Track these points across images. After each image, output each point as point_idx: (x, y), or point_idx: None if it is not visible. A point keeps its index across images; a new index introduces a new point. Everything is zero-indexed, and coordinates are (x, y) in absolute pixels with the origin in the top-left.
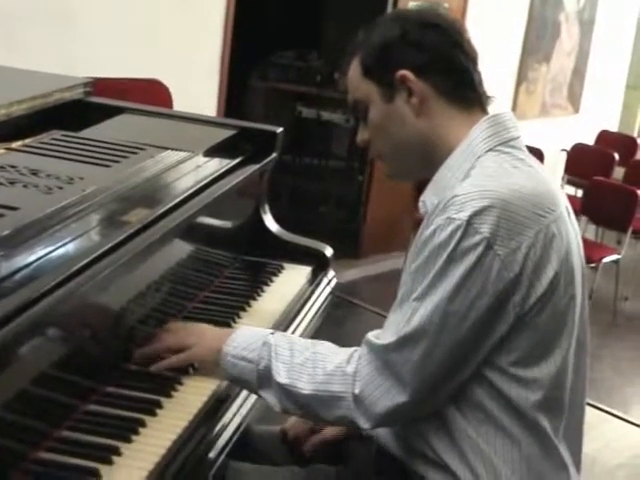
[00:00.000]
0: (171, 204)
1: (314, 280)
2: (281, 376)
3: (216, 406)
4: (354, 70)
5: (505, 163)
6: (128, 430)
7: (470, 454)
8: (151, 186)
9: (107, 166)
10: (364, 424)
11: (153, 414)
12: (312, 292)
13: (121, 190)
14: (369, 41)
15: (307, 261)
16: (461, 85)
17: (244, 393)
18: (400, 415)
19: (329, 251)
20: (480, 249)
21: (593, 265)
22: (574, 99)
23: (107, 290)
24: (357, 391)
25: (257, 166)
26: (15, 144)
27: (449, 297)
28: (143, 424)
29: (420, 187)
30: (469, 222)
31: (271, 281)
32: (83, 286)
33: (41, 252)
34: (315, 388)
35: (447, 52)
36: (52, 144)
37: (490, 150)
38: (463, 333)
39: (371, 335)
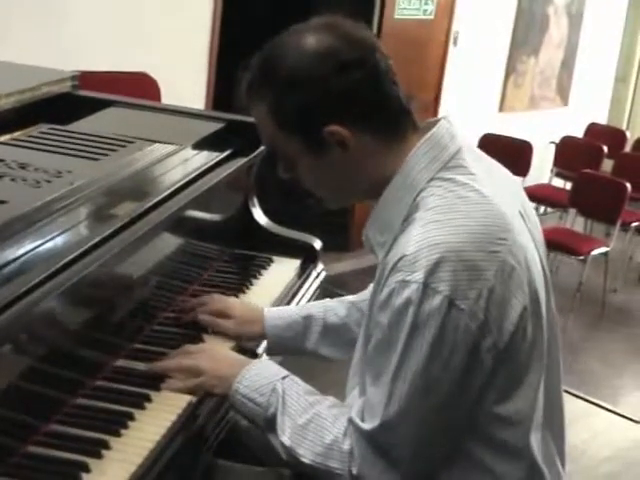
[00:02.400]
0: (159, 197)
1: (303, 273)
2: (285, 435)
3: (204, 402)
4: (265, 119)
5: (448, 195)
6: (117, 424)
7: None
8: (139, 179)
9: (95, 159)
10: None
11: (142, 408)
12: (301, 285)
13: (109, 183)
14: (279, 90)
15: (296, 254)
16: (393, 116)
17: None
18: None
19: (318, 244)
20: (443, 310)
21: (582, 258)
22: (563, 92)
23: (95, 284)
24: (354, 471)
25: (245, 159)
26: (3, 138)
27: (423, 369)
28: (132, 418)
29: None
30: (425, 283)
31: (260, 274)
32: (71, 280)
33: (29, 246)
34: (314, 459)
35: (375, 90)
36: (40, 137)
37: (432, 179)
38: (444, 397)
39: (355, 415)
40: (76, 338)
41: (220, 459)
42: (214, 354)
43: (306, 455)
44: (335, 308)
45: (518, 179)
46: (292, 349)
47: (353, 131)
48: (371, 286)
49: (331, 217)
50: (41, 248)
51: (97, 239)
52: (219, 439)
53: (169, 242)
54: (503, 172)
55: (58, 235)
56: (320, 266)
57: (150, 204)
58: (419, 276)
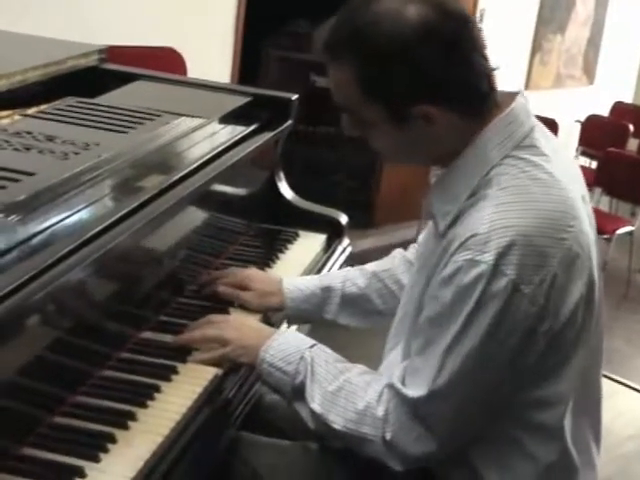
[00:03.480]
0: (186, 171)
1: (329, 248)
2: (315, 402)
3: (230, 375)
4: (348, 82)
5: (522, 176)
6: (144, 396)
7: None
8: (166, 152)
9: (123, 132)
10: (395, 466)
11: (168, 380)
12: (327, 259)
13: (136, 156)
14: (372, 59)
15: (322, 229)
16: (481, 94)
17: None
18: (432, 459)
19: (344, 219)
20: (507, 292)
21: (607, 237)
22: (589, 70)
23: (121, 256)
24: (388, 437)
25: (272, 133)
26: (30, 110)
27: (479, 345)
28: (158, 390)
29: None
30: (495, 265)
31: (286, 248)
32: (98, 252)
33: (56, 218)
34: (346, 425)
35: (468, 67)
36: (67, 110)
37: (505, 157)
38: (495, 377)
39: (397, 381)
40: (102, 310)
41: (245, 432)
42: (239, 324)
43: (337, 421)
44: (355, 278)
45: None
46: (311, 319)
47: (440, 108)
48: (397, 252)
49: (356, 193)
50: (68, 220)
51: (124, 212)
52: (244, 413)
53: (195, 215)
54: (566, 153)
55: (85, 207)
56: (346, 241)
57: (176, 177)
58: (489, 257)
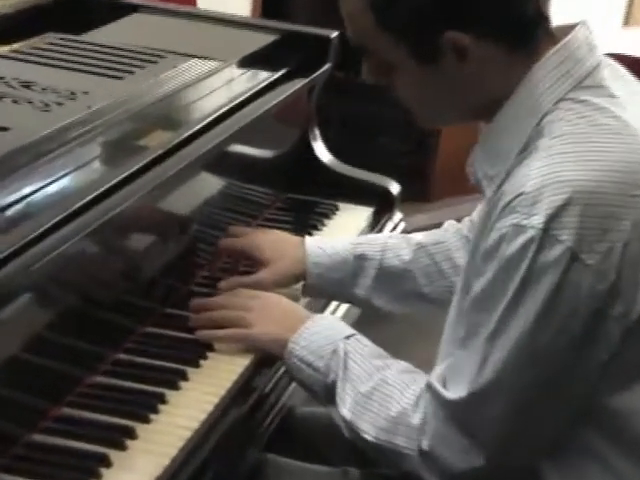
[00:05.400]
0: (198, 127)
1: (376, 224)
2: (345, 406)
3: (253, 380)
4: (361, 14)
5: (581, 122)
6: (145, 407)
7: None
8: (173, 104)
9: (118, 78)
10: None
11: (175, 387)
12: None
13: (136, 108)
14: None
15: (367, 200)
16: (524, 22)
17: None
18: (479, 476)
19: (395, 188)
20: (563, 263)
21: None
22: None
23: (119, 232)
24: (425, 447)
25: (305, 80)
26: (1, 49)
27: (530, 331)
28: (163, 400)
29: None
30: (546, 229)
31: (322, 225)
32: (87, 228)
33: (37, 184)
34: (377, 436)
35: None
36: (48, 50)
37: (561, 100)
38: (553, 370)
39: (436, 381)
40: (92, 301)
41: (272, 454)
42: (271, 304)
43: (368, 430)
44: (398, 249)
45: None
46: (337, 294)
47: (474, 37)
48: (449, 224)
49: (408, 159)
50: (52, 187)
51: (120, 177)
52: (271, 429)
53: (210, 183)
54: None
55: (71, 172)
56: (398, 215)
57: (186, 135)
58: (538, 220)
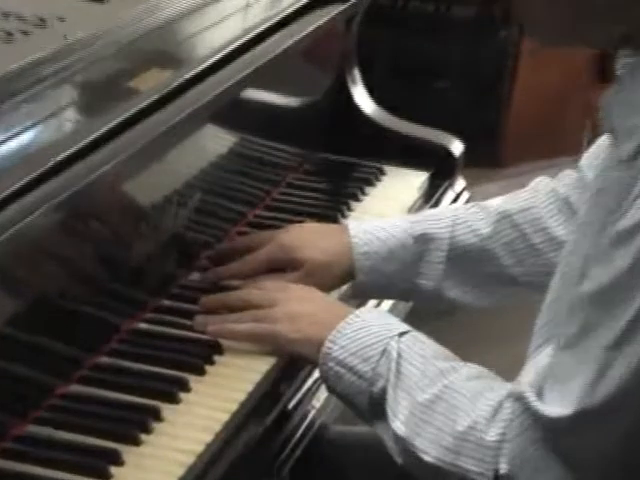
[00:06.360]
0: (204, 65)
1: (433, 194)
2: (398, 419)
3: (273, 392)
4: None
5: None
6: (136, 427)
7: None
8: (173, 35)
9: (100, 0)
10: None
11: (175, 401)
12: None
13: (125, 40)
14: None
15: (421, 163)
16: None
17: (317, 373)
18: None
19: (457, 147)
20: None
21: None
22: None
23: (101, 202)
24: (504, 471)
25: (341, 7)
26: None
27: None
28: (158, 416)
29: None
30: None
31: (363, 193)
32: (63, 194)
33: None
34: (440, 456)
35: None
36: None
37: None
38: None
39: (530, 389)
40: (67, 289)
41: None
42: (298, 298)
43: (428, 450)
44: (472, 221)
45: None
46: (395, 290)
47: None
48: (540, 182)
49: (473, 110)
50: (18, 139)
51: (104, 130)
52: (296, 455)
53: (217, 139)
54: None
55: (41, 121)
56: (460, 183)
57: (189, 76)
58: None
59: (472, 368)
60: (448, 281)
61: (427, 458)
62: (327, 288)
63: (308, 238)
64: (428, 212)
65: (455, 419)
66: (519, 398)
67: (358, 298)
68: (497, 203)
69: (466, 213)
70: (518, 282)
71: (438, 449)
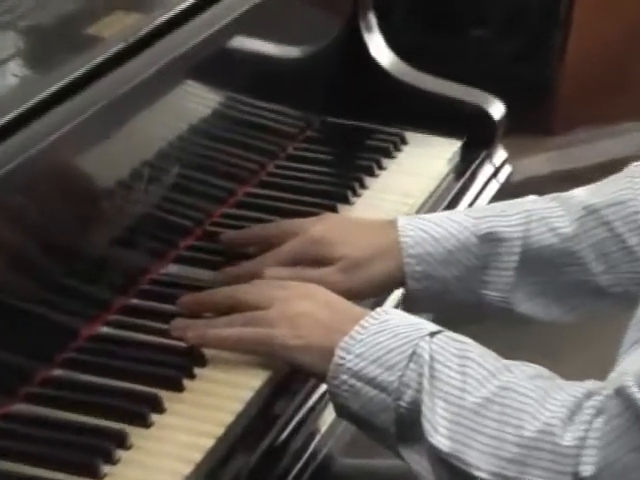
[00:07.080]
0: (182, 6)
1: (467, 167)
2: (439, 431)
3: (267, 413)
4: None
5: None
6: (103, 454)
7: None
8: None
9: None
10: None
11: (145, 424)
12: (462, 190)
13: None
14: None
15: (452, 129)
16: None
17: (322, 389)
18: None
19: (498, 110)
20: None
21: None
22: None
23: (53, 175)
24: (588, 473)
25: None
26: None
27: None
28: (124, 443)
29: None
30: None
31: (381, 167)
32: (7, 164)
33: None
34: (497, 471)
35: None
36: None
37: None
38: None
39: (634, 383)
40: (12, 284)
41: None
42: (301, 296)
43: (481, 465)
44: (550, 217)
45: None
46: (453, 301)
47: None
48: (635, 169)
49: (518, 66)
50: None
51: (58, 86)
52: None
53: (198, 98)
54: None
55: None
56: (501, 154)
57: (163, 19)
58: None
59: (529, 367)
60: (520, 292)
61: (481, 475)
62: (363, 294)
63: (346, 233)
64: (491, 206)
65: (519, 424)
66: (622, 393)
67: (407, 311)
68: (581, 195)
69: (542, 207)
70: (606, 293)
71: (496, 462)
